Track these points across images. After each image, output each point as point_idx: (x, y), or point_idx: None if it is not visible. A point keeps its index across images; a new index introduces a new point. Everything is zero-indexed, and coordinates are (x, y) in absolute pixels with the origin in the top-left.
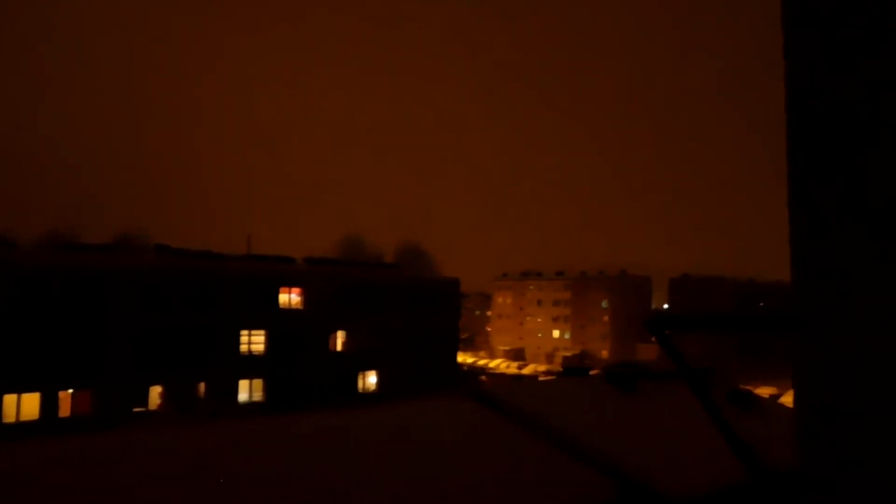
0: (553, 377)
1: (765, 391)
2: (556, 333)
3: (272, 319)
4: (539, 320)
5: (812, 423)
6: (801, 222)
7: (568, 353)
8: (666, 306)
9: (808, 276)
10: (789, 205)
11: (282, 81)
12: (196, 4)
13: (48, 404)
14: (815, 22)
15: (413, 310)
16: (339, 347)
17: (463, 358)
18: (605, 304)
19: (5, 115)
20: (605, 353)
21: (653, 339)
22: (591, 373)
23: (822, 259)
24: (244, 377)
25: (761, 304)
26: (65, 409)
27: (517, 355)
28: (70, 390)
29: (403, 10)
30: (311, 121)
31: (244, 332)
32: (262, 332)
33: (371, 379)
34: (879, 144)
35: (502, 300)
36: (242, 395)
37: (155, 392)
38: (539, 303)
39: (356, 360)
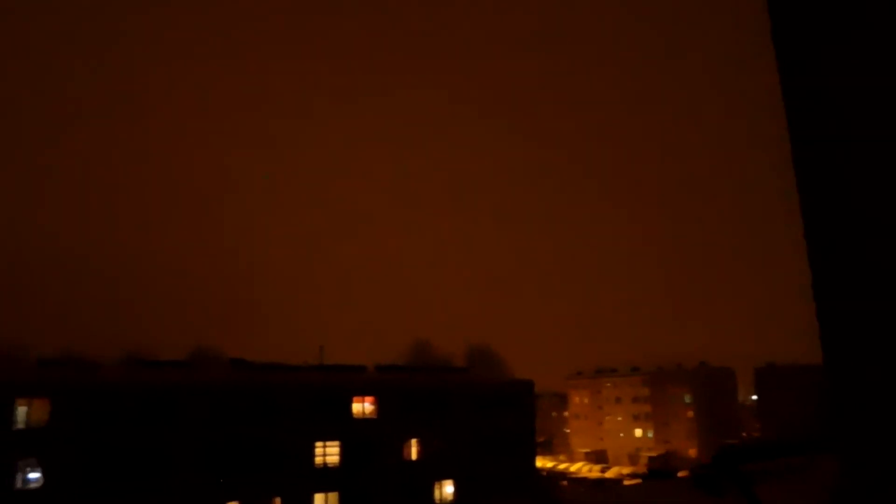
0: (638, 480)
1: None
2: (638, 432)
3: (346, 430)
4: (619, 419)
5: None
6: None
7: (652, 454)
8: (754, 397)
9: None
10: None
11: (345, 192)
12: (254, 107)
13: None
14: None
15: (487, 414)
16: (413, 456)
17: (542, 462)
18: (687, 399)
19: (83, 243)
20: (692, 452)
21: (742, 434)
22: (679, 474)
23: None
24: (319, 490)
25: None
26: None
27: (599, 458)
28: None
29: (460, 115)
30: (376, 228)
31: (319, 444)
32: (337, 443)
33: (448, 488)
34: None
35: (578, 399)
36: None
37: None
38: (617, 400)
39: (431, 469)
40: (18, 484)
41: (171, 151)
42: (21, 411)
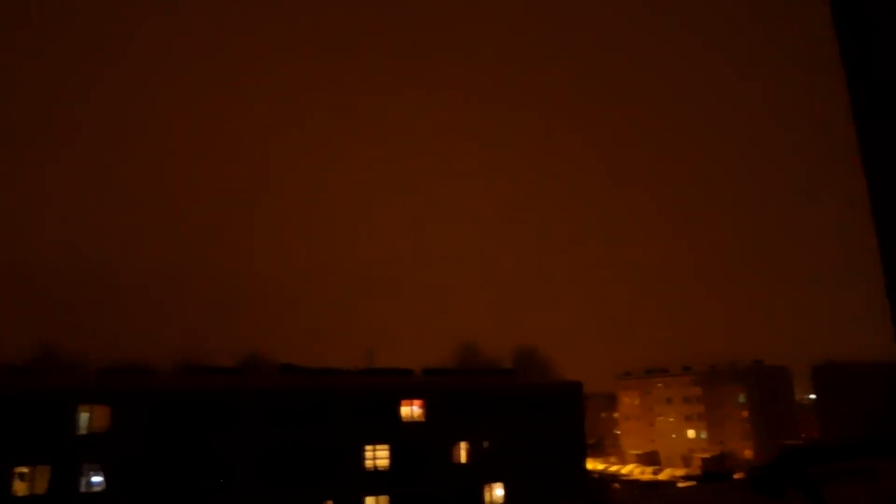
0: (692, 482)
1: None
2: (690, 433)
3: (395, 433)
4: (671, 420)
5: None
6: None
7: (706, 455)
8: (812, 397)
9: None
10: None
11: (389, 196)
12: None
13: None
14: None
15: (536, 416)
16: (462, 459)
17: (592, 464)
18: (741, 398)
19: (138, 256)
20: (748, 453)
21: (801, 435)
22: (735, 476)
23: None
24: (370, 493)
25: None
26: None
27: (651, 459)
28: None
29: (504, 117)
30: (421, 232)
31: (368, 448)
32: (386, 446)
33: (498, 491)
34: None
35: (629, 400)
36: None
37: None
38: (668, 401)
39: (481, 472)
40: (83, 487)
41: (213, 158)
42: (84, 417)
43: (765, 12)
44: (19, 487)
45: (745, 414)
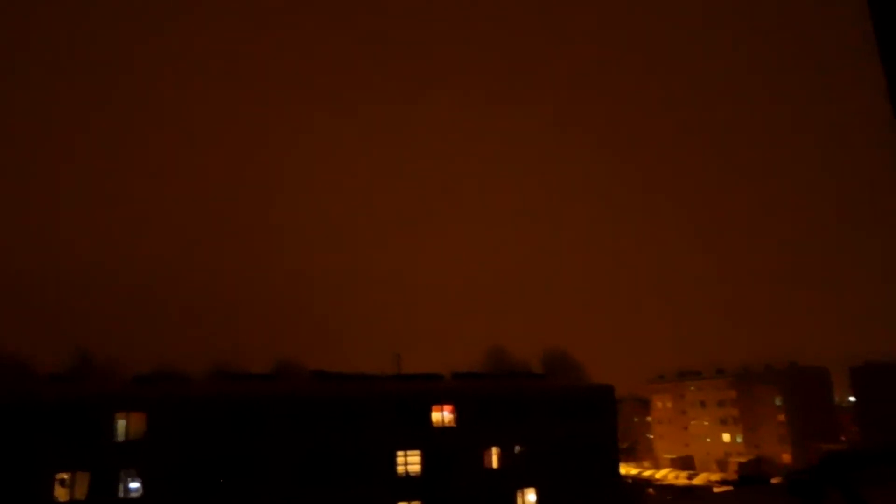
0: (729, 487)
1: None
2: (725, 437)
3: (426, 438)
4: (705, 424)
5: None
6: None
7: (742, 459)
8: (852, 399)
9: None
10: None
11: (418, 201)
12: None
13: None
14: None
15: (567, 421)
16: (494, 464)
17: (626, 469)
18: (778, 401)
19: (172, 266)
20: (785, 457)
21: (841, 438)
22: (773, 481)
23: None
24: (402, 499)
25: None
26: None
27: (685, 464)
28: None
29: (537, 123)
30: (449, 236)
31: (400, 453)
32: (418, 451)
33: (530, 496)
34: None
35: (661, 404)
36: None
37: None
38: (702, 404)
39: (513, 477)
40: (121, 493)
41: (238, 164)
42: (120, 424)
43: (787, 9)
44: (60, 493)
45: (782, 417)
